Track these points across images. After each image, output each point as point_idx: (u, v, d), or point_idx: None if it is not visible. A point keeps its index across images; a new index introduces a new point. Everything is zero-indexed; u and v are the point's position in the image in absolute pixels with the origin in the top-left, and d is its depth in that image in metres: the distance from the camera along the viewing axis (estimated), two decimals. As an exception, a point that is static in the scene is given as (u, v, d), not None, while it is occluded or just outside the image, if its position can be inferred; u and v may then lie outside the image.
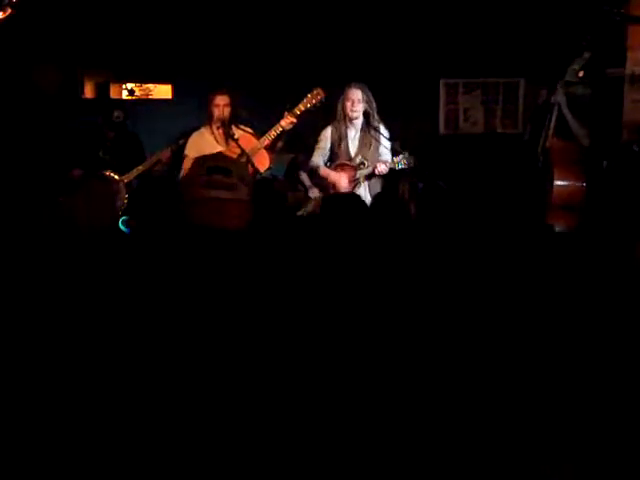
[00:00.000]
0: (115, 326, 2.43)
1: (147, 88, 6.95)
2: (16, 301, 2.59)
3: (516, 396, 2.13)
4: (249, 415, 2.07)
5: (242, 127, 4.81)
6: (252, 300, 2.48)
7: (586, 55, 4.62)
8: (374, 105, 4.77)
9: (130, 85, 6.89)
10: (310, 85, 4.72)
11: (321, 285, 2.52)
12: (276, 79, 6.37)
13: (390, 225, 3.25)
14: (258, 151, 4.69)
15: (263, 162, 4.72)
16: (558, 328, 2.44)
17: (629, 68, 4.78)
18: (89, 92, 6.95)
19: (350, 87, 4.75)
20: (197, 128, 4.93)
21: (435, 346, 2.29)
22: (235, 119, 4.82)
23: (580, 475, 1.96)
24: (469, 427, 2.05)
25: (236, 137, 4.70)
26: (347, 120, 4.77)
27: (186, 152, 4.85)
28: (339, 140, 4.79)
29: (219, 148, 4.75)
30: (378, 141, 4.78)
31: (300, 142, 5.45)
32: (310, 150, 4.95)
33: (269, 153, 4.78)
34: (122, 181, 5.09)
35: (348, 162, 4.78)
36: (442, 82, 6.95)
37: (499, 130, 6.92)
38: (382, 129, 4.80)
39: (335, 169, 4.81)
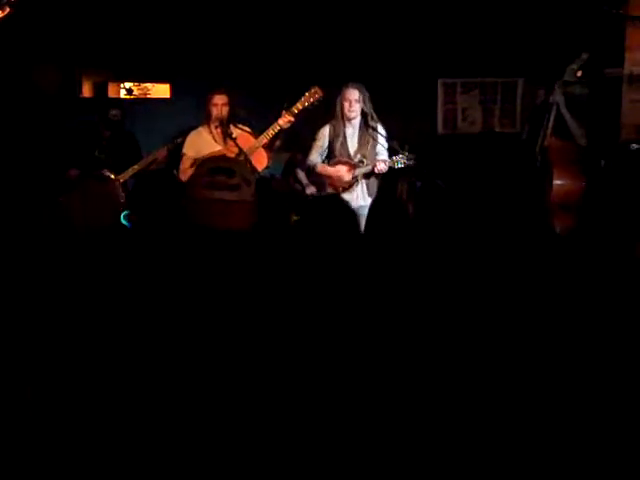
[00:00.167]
0: (116, 325, 2.43)
1: (145, 87, 6.94)
2: (15, 301, 2.59)
3: (516, 396, 2.13)
4: (249, 415, 2.07)
5: (240, 126, 4.82)
6: (255, 301, 2.48)
7: (584, 56, 4.63)
8: (371, 105, 4.77)
9: (128, 84, 6.89)
10: (308, 84, 4.72)
11: (320, 286, 2.51)
12: (274, 78, 6.36)
13: (388, 224, 3.24)
14: (256, 150, 4.69)
15: (261, 161, 4.72)
16: (557, 327, 2.43)
17: (627, 68, 4.80)
18: (87, 91, 6.95)
19: (347, 87, 4.74)
20: (195, 127, 4.93)
21: (435, 346, 2.29)
22: (233, 118, 4.83)
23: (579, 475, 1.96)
24: (469, 427, 2.05)
25: (234, 136, 4.71)
26: (345, 119, 4.77)
27: (184, 151, 4.86)
28: (337, 139, 4.79)
29: (217, 147, 4.75)
30: (376, 140, 4.78)
31: (298, 141, 5.45)
32: (308, 149, 4.95)
33: (267, 152, 4.78)
34: (118, 180, 5.07)
35: (347, 159, 4.78)
36: (440, 82, 6.96)
37: (497, 130, 6.92)
38: (380, 128, 4.80)
39: (333, 165, 4.81)
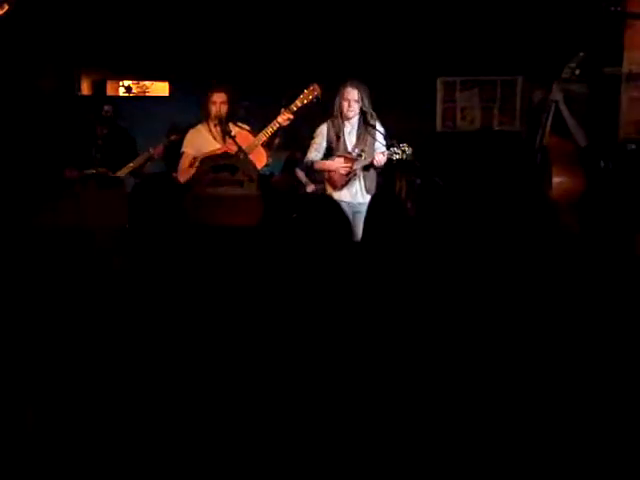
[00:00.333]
0: (120, 324, 2.42)
1: (144, 85, 6.95)
2: (15, 301, 2.59)
3: (516, 396, 2.13)
4: (249, 415, 2.07)
5: (239, 124, 4.81)
6: (259, 299, 2.48)
7: (581, 54, 4.63)
8: (370, 103, 4.75)
9: (127, 82, 6.89)
10: (306, 82, 4.71)
11: (320, 286, 2.51)
12: (273, 76, 6.37)
13: (387, 222, 3.24)
14: (255, 148, 4.68)
15: (260, 159, 4.71)
16: (557, 325, 2.43)
17: (626, 67, 4.80)
18: (86, 89, 6.96)
19: (346, 87, 4.73)
20: (193, 125, 4.92)
21: (435, 345, 2.29)
22: (232, 116, 4.82)
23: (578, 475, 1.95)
24: (469, 427, 2.04)
25: (233, 134, 4.70)
26: (343, 118, 4.76)
27: (183, 149, 4.85)
28: (336, 136, 4.77)
29: (216, 145, 4.74)
30: (374, 138, 4.77)
31: (297, 139, 5.45)
32: (306, 147, 4.94)
33: (266, 150, 4.78)
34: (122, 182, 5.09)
35: (345, 153, 4.77)
36: (439, 80, 6.96)
37: (496, 128, 6.93)
38: (378, 126, 4.79)
39: (332, 159, 4.79)
